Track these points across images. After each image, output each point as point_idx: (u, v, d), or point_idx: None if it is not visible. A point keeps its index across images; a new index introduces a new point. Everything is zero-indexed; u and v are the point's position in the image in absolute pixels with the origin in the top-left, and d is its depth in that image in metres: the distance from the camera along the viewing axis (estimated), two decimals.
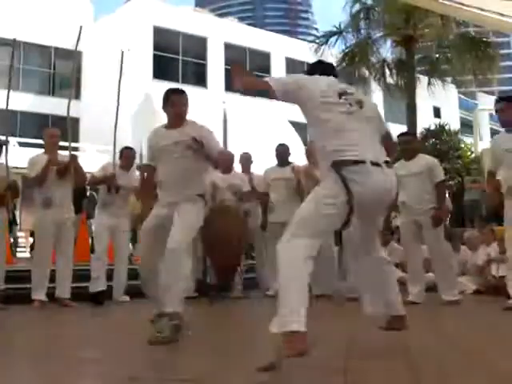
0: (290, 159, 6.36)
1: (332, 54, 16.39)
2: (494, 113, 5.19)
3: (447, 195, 9.02)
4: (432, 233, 5.38)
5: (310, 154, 6.23)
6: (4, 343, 3.47)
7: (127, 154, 5.98)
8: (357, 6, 15.99)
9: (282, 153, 6.31)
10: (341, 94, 2.75)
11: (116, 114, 6.05)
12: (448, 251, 5.64)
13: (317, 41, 16.79)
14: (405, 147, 5.67)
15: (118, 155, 6.02)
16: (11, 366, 2.74)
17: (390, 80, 16.83)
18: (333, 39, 16.39)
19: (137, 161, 6.84)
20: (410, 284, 5.53)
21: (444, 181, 5.62)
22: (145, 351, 3.10)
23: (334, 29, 16.42)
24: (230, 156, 6.45)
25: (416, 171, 5.41)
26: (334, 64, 14.48)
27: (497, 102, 5.03)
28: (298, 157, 7.02)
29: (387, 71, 16.72)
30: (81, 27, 5.95)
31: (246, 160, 6.74)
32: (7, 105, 5.62)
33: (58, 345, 3.41)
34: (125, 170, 5.89)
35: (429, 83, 16.85)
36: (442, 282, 5.38)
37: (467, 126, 26.61)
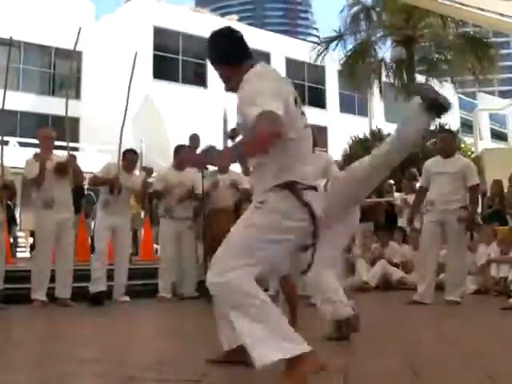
0: None
1: (333, 57, 16.41)
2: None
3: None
4: (456, 233, 5.33)
5: None
6: (3, 343, 3.47)
7: (130, 157, 5.97)
8: (356, 8, 16.00)
9: None
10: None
11: (124, 116, 6.04)
12: (465, 251, 5.63)
13: (317, 47, 16.76)
14: (444, 144, 5.60)
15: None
16: (11, 366, 2.74)
17: (390, 80, 16.84)
18: (333, 44, 16.41)
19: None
20: (419, 283, 5.51)
21: (478, 185, 5.52)
22: (145, 351, 3.10)
23: (334, 33, 16.43)
24: None
25: (452, 171, 5.34)
26: (337, 67, 14.49)
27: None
28: None
29: (387, 71, 16.73)
30: (80, 29, 5.93)
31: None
32: (3, 105, 5.59)
33: (57, 345, 3.40)
34: (127, 172, 5.89)
35: (430, 83, 16.84)
36: (452, 281, 5.36)
37: (467, 126, 26.60)
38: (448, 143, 5.61)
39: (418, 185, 6.08)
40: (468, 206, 5.35)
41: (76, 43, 6.19)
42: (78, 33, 5.92)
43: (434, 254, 5.50)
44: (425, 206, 5.55)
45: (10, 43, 6.58)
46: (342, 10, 16.08)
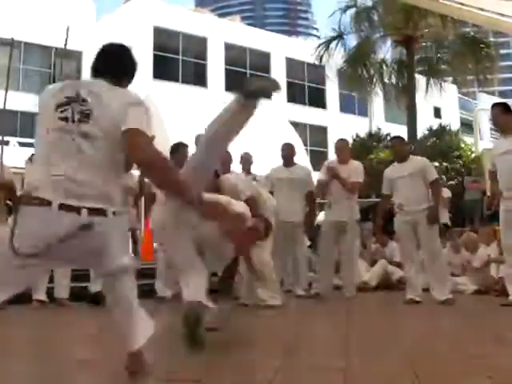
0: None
1: (334, 57, 16.41)
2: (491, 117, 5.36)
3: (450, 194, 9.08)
4: (427, 231, 5.42)
5: (340, 151, 6.16)
6: (3, 343, 3.46)
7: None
8: (355, 9, 16.03)
9: (288, 152, 6.29)
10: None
11: None
12: (441, 250, 5.72)
13: (318, 48, 16.77)
14: (396, 150, 5.85)
15: None
16: (10, 367, 2.74)
17: (390, 80, 16.84)
18: (333, 44, 16.42)
19: None
20: (409, 283, 5.56)
21: (438, 179, 5.73)
22: (145, 351, 3.09)
23: (334, 33, 16.46)
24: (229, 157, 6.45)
25: (409, 172, 5.53)
26: (337, 68, 14.48)
27: (492, 108, 5.22)
28: (299, 157, 7.01)
29: (387, 71, 16.74)
30: (68, 27, 5.97)
31: (247, 160, 6.71)
32: (4, 105, 5.62)
33: (57, 345, 3.40)
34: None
35: (428, 83, 16.87)
36: (435, 280, 5.42)
37: (467, 126, 26.61)
38: (399, 148, 5.80)
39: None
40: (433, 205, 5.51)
41: (66, 43, 6.20)
42: (67, 33, 5.94)
43: (413, 252, 5.61)
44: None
45: (11, 44, 6.59)
46: (332, 14, 16.12)
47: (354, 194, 5.99)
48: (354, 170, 5.98)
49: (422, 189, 5.52)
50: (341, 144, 6.26)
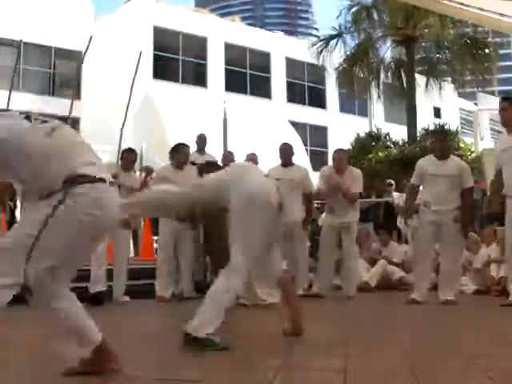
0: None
1: (333, 57, 16.40)
2: (496, 112, 5.24)
3: None
4: (451, 233, 5.33)
5: (338, 162, 6.16)
6: (3, 343, 3.46)
7: (128, 156, 5.99)
8: (356, 8, 16.04)
9: (286, 152, 6.29)
10: None
11: (125, 115, 6.06)
12: (460, 253, 5.66)
13: (317, 45, 16.76)
14: (438, 145, 5.59)
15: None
16: (10, 366, 2.74)
17: (389, 80, 16.84)
18: (333, 42, 16.41)
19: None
20: (416, 283, 5.53)
21: (473, 188, 5.54)
22: (145, 351, 3.09)
23: (334, 31, 16.46)
24: (231, 156, 6.48)
25: (447, 173, 5.35)
26: (336, 66, 14.60)
27: (501, 101, 5.10)
28: (299, 157, 7.01)
29: (387, 71, 16.73)
30: (91, 37, 6.00)
31: (251, 160, 6.70)
32: (8, 105, 5.63)
33: (57, 344, 3.40)
34: (125, 171, 5.91)
35: (428, 83, 16.88)
36: (447, 281, 5.36)
37: (467, 126, 26.60)
38: (445, 145, 5.63)
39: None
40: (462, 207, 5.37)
41: (86, 51, 6.21)
42: (89, 42, 5.94)
43: (429, 253, 5.54)
44: (418, 205, 5.60)
45: (18, 46, 6.61)
46: (338, 15, 16.12)
47: (353, 204, 5.99)
48: (353, 180, 5.95)
49: (454, 191, 5.36)
50: (339, 155, 6.22)
